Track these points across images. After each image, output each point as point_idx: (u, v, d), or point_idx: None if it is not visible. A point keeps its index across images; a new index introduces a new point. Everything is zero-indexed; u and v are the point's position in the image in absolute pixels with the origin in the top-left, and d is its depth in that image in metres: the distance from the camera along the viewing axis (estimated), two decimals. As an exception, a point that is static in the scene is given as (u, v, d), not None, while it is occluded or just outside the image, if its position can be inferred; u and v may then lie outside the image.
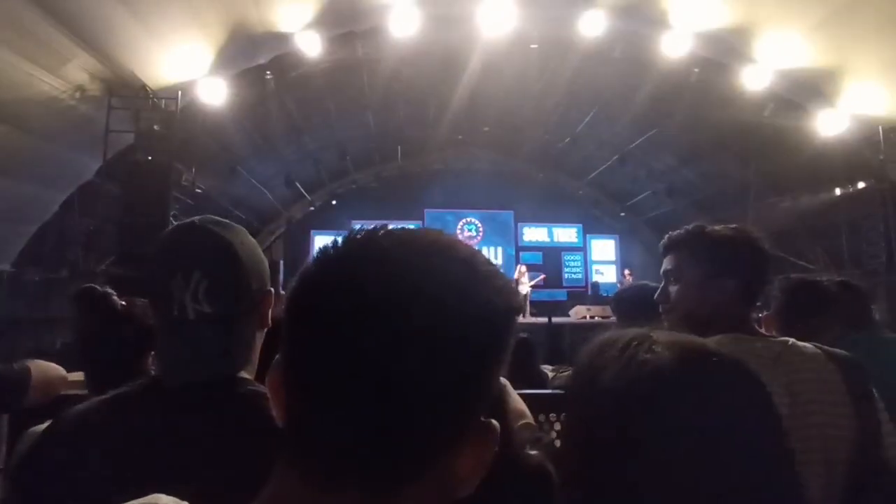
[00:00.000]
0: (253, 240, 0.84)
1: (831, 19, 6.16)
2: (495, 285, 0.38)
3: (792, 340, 1.10)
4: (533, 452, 0.98)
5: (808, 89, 7.47)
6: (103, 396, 0.75)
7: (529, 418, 1.22)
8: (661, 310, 1.27)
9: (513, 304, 0.39)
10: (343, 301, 0.35)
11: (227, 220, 0.82)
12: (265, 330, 0.84)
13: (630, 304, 1.83)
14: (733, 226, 1.24)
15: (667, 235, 1.30)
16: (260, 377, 0.80)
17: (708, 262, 1.18)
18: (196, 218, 0.80)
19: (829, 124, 7.48)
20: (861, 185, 8.00)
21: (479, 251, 0.41)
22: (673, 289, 1.24)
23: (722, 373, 0.52)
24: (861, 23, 6.03)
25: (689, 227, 1.27)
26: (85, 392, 1.22)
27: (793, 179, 8.70)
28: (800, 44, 6.79)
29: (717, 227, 1.24)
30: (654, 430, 0.50)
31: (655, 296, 1.29)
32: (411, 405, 0.34)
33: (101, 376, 1.18)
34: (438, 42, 7.48)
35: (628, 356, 0.54)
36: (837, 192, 8.36)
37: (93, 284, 1.41)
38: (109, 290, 1.32)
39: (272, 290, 0.83)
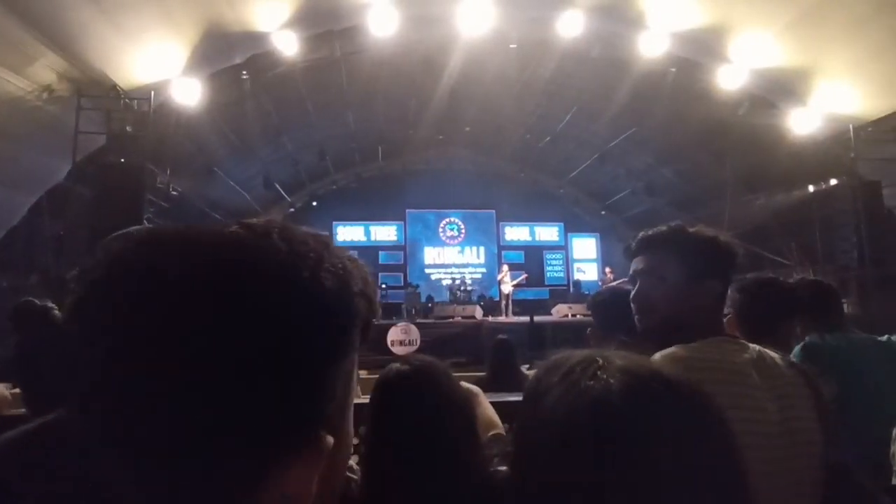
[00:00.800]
0: None
1: (802, 20, 6.28)
2: (295, 289, 0.34)
3: (759, 347, 1.09)
4: (502, 468, 0.95)
5: (781, 88, 7.62)
6: (27, 427, 0.70)
7: (500, 429, 1.18)
8: (635, 310, 1.19)
9: (312, 311, 0.34)
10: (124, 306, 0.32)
11: None
12: None
13: (605, 307, 1.81)
14: (709, 227, 1.18)
15: (641, 234, 1.21)
16: None
17: (693, 262, 1.12)
18: (133, 228, 0.75)
19: (802, 123, 7.65)
20: (833, 182, 8.19)
21: (310, 249, 0.36)
22: (651, 289, 1.16)
23: (670, 401, 0.48)
24: (831, 23, 6.17)
25: (672, 224, 1.18)
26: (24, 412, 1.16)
27: (767, 177, 8.87)
28: (772, 44, 6.91)
29: (696, 228, 1.17)
30: (594, 463, 0.46)
31: (631, 296, 1.19)
32: (208, 421, 0.31)
33: (40, 396, 1.12)
34: (418, 42, 7.45)
35: (571, 382, 0.50)
36: (810, 189, 8.55)
37: (32, 299, 1.34)
38: (50, 305, 1.26)
39: None
